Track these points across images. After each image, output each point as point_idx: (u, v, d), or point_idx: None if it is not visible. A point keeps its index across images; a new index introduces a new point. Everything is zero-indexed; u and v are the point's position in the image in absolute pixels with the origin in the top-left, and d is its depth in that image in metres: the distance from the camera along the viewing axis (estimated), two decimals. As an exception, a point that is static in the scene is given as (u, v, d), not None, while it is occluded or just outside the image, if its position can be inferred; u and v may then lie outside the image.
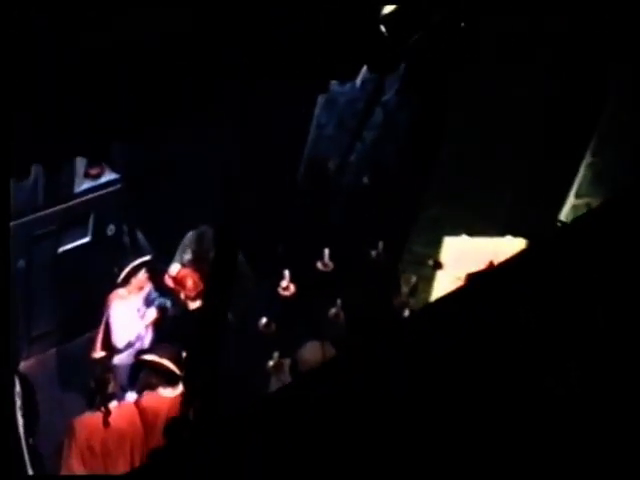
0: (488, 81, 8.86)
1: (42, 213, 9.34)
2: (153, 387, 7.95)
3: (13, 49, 4.32)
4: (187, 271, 8.93)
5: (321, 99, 9.90)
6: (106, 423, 7.67)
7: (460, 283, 8.82)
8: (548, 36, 8.28)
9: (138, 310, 8.97)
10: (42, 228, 9.42)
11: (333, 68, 5.74)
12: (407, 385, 4.55)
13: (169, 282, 8.95)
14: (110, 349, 9.00)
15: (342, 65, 5.73)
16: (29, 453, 7.98)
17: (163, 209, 10.15)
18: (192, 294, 8.81)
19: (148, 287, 9.04)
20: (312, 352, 7.67)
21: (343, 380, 4.66)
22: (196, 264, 9.22)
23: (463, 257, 9.09)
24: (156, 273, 9.08)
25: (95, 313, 9.61)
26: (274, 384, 8.09)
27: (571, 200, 9.64)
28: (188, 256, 9.38)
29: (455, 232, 9.43)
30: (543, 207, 9.57)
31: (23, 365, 9.17)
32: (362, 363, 4.90)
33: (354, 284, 9.32)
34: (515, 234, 9.15)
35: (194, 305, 8.84)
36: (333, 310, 8.75)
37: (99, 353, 9.06)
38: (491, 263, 7.88)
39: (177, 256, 9.54)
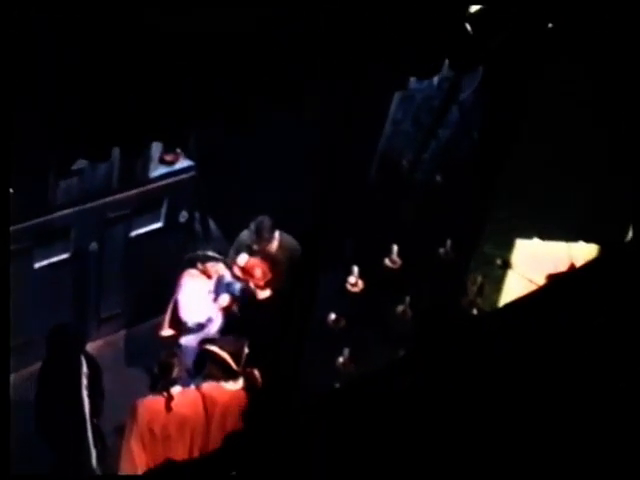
0: (566, 83, 8.75)
1: (116, 196, 9.43)
2: (215, 378, 8.00)
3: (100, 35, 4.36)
4: (256, 261, 8.95)
5: (398, 95, 9.87)
6: (168, 407, 7.73)
7: (531, 285, 8.78)
8: (629, 39, 8.15)
9: (210, 292, 9.01)
10: (115, 211, 9.51)
11: (415, 64, 5.71)
12: (478, 385, 4.52)
13: (238, 272, 8.98)
14: (178, 328, 9.08)
15: (424, 62, 5.71)
16: (92, 432, 8.09)
17: (235, 197, 10.21)
18: (261, 283, 8.83)
19: (222, 273, 9.08)
20: None
21: (409, 378, 4.65)
22: (261, 254, 9.25)
23: (535, 260, 9.01)
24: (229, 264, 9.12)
25: (164, 298, 9.72)
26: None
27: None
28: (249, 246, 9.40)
29: (527, 235, 9.34)
30: (617, 213, 9.44)
31: (91, 346, 9.26)
32: (429, 362, 4.88)
33: (422, 282, 9.29)
34: (588, 240, 9.04)
35: (263, 294, 8.86)
36: (400, 307, 8.72)
37: (167, 331, 9.15)
38: (570, 266, 7.78)
39: (236, 247, 9.58)
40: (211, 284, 9.04)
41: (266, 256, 9.11)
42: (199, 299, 9.01)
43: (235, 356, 7.90)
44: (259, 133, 7.35)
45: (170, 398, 7.70)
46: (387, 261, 8.78)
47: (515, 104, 9.23)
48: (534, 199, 9.39)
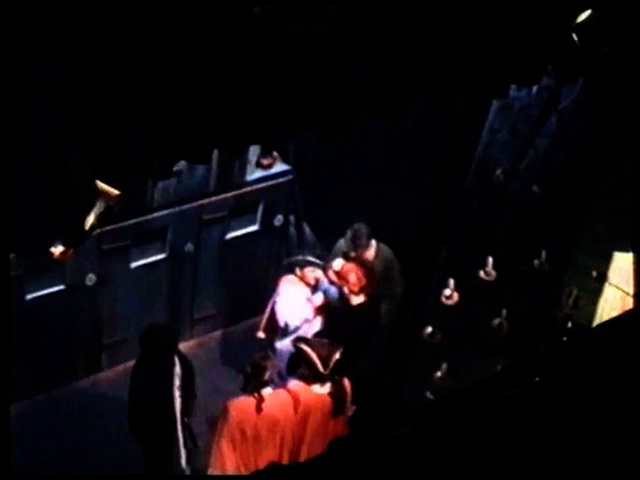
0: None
1: (213, 199, 9.52)
2: (304, 378, 8.02)
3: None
4: (351, 266, 8.95)
5: (495, 104, 9.77)
6: (259, 409, 7.77)
7: (627, 298, 8.61)
8: None
9: (307, 296, 9.06)
10: (212, 213, 9.61)
11: (517, 72, 5.66)
12: (575, 400, 4.45)
13: (333, 276, 8.99)
14: (275, 331, 9.14)
15: (526, 70, 5.64)
16: (182, 432, 8.17)
17: (331, 203, 10.22)
18: (355, 289, 8.82)
19: (319, 278, 9.11)
20: None
21: (507, 391, 4.60)
22: (357, 261, 9.25)
23: (630, 273, 8.84)
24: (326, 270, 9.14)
25: (257, 300, 9.78)
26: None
27: None
28: (346, 255, 9.41)
29: (623, 247, 9.16)
30: None
31: (184, 346, 9.37)
32: (526, 376, 4.82)
33: (517, 294, 9.18)
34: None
35: (357, 300, 8.86)
36: (497, 320, 8.62)
37: (262, 333, 9.21)
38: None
39: (333, 255, 9.60)
40: (308, 290, 9.08)
41: (362, 263, 9.12)
42: (296, 304, 9.04)
43: (324, 359, 7.91)
44: (357, 139, 7.36)
45: (261, 400, 7.75)
46: (482, 273, 8.69)
47: (618, 114, 9.07)
48: (630, 211, 9.22)
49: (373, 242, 9.33)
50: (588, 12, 5.18)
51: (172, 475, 8.22)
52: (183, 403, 8.17)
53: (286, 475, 4.65)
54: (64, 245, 4.46)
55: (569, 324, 8.73)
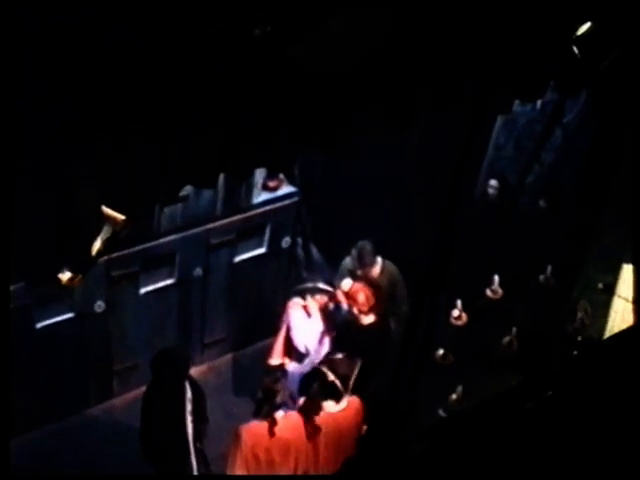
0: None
1: (220, 222, 9.52)
2: (320, 397, 7.99)
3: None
4: (359, 286, 8.94)
5: (500, 119, 9.78)
6: (272, 433, 7.75)
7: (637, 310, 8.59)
8: None
9: (316, 319, 9.05)
10: (219, 237, 9.61)
11: (520, 87, 5.66)
12: (590, 414, 4.43)
13: (342, 297, 8.98)
14: (287, 356, 9.11)
15: (529, 85, 5.65)
16: (196, 457, 8.14)
17: (337, 223, 10.23)
18: (364, 309, 8.82)
19: (327, 302, 9.11)
20: None
21: (520, 407, 4.59)
22: (364, 279, 9.25)
23: (633, 286, 8.82)
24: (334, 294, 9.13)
25: (267, 323, 9.76)
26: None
27: None
28: (352, 274, 9.41)
29: (635, 260, 9.14)
30: None
31: (195, 370, 9.35)
32: (539, 391, 4.80)
33: (525, 311, 9.15)
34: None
35: (367, 320, 8.85)
36: (507, 338, 8.59)
37: (276, 360, 9.17)
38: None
39: (340, 274, 9.60)
40: (319, 316, 9.07)
41: (369, 283, 9.11)
42: (308, 329, 9.03)
43: (343, 377, 7.90)
44: (362, 158, 7.36)
45: (274, 423, 7.72)
46: (488, 292, 8.67)
47: (621, 127, 9.07)
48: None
49: (379, 259, 9.34)
50: (587, 24, 5.19)
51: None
52: (195, 428, 8.14)
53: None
54: (71, 271, 4.47)
55: (580, 338, 8.69)
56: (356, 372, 7.90)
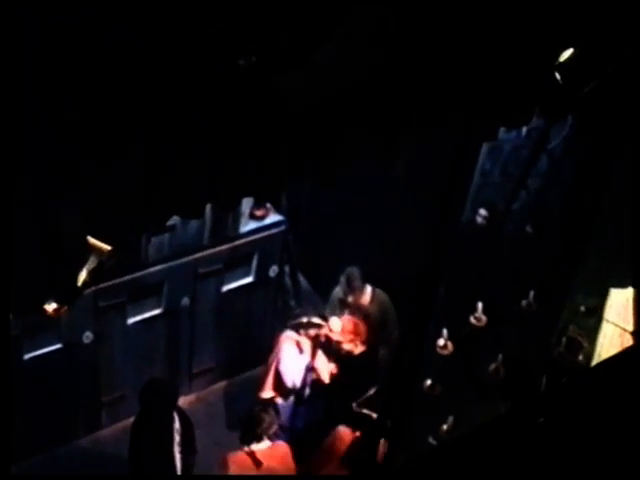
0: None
1: (207, 252, 9.52)
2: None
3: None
4: (348, 322, 8.98)
5: (485, 146, 9.82)
6: (257, 462, 7.75)
7: (625, 335, 8.60)
8: None
9: (307, 355, 9.03)
10: (207, 267, 9.60)
11: (505, 115, 5.69)
12: (577, 441, 4.43)
13: (335, 336, 8.99)
14: (278, 390, 9.09)
15: (514, 112, 5.68)
16: (184, 487, 8.12)
17: (324, 252, 10.24)
18: (357, 342, 8.89)
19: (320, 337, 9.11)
20: None
21: (510, 434, 4.58)
22: (353, 307, 9.27)
23: (630, 310, 8.82)
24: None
25: (256, 352, 9.75)
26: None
27: None
28: (342, 302, 9.43)
29: (622, 284, 9.15)
30: None
31: (183, 400, 9.33)
32: (531, 417, 4.80)
33: (510, 337, 9.15)
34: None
35: (358, 350, 8.90)
36: (493, 365, 8.59)
37: (268, 393, 9.14)
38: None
39: (330, 308, 9.61)
40: (309, 352, 9.05)
41: (359, 309, 9.12)
42: (298, 365, 9.02)
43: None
44: (349, 187, 7.40)
45: (252, 453, 7.74)
46: (472, 319, 8.66)
47: (608, 152, 9.11)
48: (627, 247, 9.22)
49: (368, 287, 9.35)
50: (570, 51, 5.22)
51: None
52: (183, 459, 8.11)
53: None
54: (57, 302, 4.46)
55: (568, 364, 8.69)
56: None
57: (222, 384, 10.51)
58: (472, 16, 4.81)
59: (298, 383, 8.96)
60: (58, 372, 9.01)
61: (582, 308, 9.11)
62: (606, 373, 5.27)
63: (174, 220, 8.57)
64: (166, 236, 9.02)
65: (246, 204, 9.49)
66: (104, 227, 4.50)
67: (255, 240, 9.83)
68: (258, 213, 9.75)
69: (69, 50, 3.85)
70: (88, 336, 9.04)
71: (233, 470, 7.77)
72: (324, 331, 8.97)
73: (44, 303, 4.47)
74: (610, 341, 8.87)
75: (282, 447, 8.06)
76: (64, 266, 4.38)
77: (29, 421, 8.90)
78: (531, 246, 9.82)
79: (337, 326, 8.97)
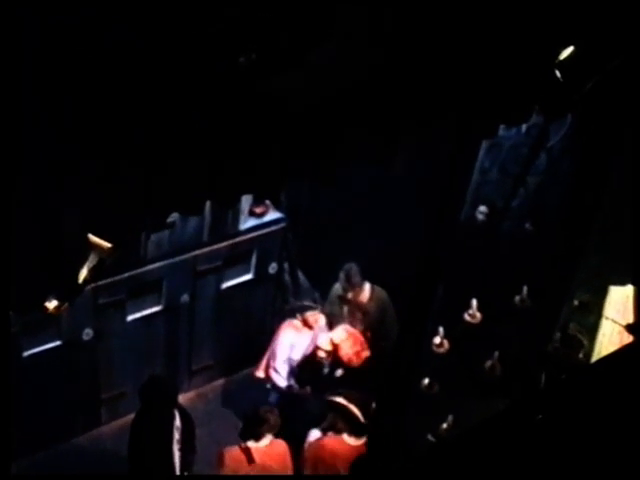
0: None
1: (207, 249, 9.53)
2: (338, 431, 7.97)
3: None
4: (346, 334, 9.03)
5: (485, 144, 9.81)
6: (250, 460, 7.77)
7: (624, 332, 8.60)
8: None
9: (311, 338, 9.17)
10: (206, 264, 9.61)
11: (504, 113, 5.69)
12: (577, 438, 4.43)
13: (337, 350, 9.04)
14: (274, 372, 9.19)
15: (514, 110, 5.68)
16: (183, 485, 8.13)
17: (323, 249, 10.23)
18: (358, 357, 8.93)
19: (321, 322, 9.18)
20: None
21: (509, 431, 4.58)
22: (353, 304, 9.30)
23: (629, 307, 8.83)
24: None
25: (255, 349, 9.75)
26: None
27: None
28: (341, 299, 9.47)
29: (622, 281, 9.15)
30: None
31: (183, 397, 9.33)
32: (530, 414, 4.80)
33: (507, 334, 9.15)
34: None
35: (366, 354, 8.96)
36: (489, 362, 8.58)
37: (261, 373, 9.24)
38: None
39: (329, 304, 9.64)
40: (311, 332, 9.12)
41: (358, 307, 9.14)
42: (300, 345, 9.13)
43: (363, 409, 7.90)
44: (348, 184, 7.38)
45: (248, 451, 7.74)
46: (467, 316, 8.65)
47: (605, 151, 9.10)
48: (625, 245, 9.22)
49: (367, 284, 9.36)
50: (570, 49, 5.22)
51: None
52: (182, 457, 8.12)
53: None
54: (58, 300, 4.46)
55: (568, 361, 8.69)
56: (373, 404, 7.91)
57: (221, 381, 10.53)
58: (471, 14, 4.81)
59: (293, 362, 9.11)
60: (57, 369, 9.02)
61: (581, 305, 9.12)
62: (605, 370, 5.26)
63: (174, 217, 8.57)
64: (166, 233, 9.02)
65: (246, 201, 9.48)
66: (104, 225, 4.50)
67: (254, 237, 9.84)
68: (258, 210, 9.76)
69: (69, 50, 3.86)
70: (88, 333, 9.05)
71: (228, 465, 7.81)
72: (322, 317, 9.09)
73: (45, 301, 4.48)
74: (609, 338, 8.88)
75: (281, 446, 8.07)
76: (65, 264, 4.39)
77: (29, 418, 8.90)
78: (530, 243, 9.81)
79: (338, 338, 9.01)
